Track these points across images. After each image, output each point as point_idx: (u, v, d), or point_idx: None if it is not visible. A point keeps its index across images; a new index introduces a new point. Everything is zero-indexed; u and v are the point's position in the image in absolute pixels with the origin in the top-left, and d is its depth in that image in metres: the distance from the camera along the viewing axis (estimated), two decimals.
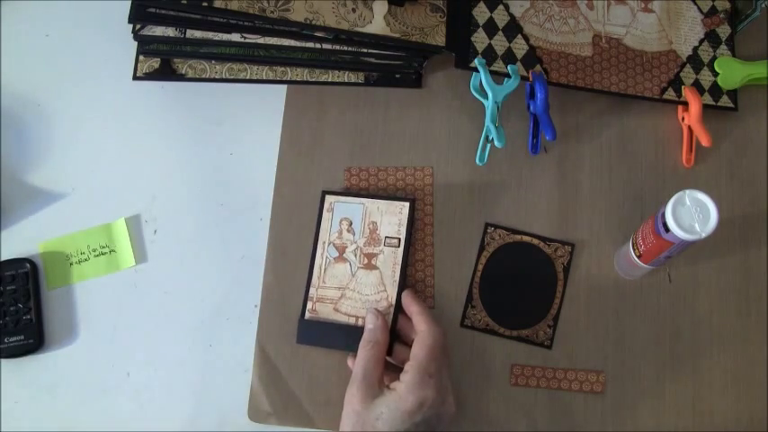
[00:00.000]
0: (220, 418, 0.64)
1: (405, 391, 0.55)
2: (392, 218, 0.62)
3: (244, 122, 0.72)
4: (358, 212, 0.63)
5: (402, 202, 0.62)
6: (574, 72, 0.70)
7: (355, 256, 0.62)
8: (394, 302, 0.61)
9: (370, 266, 0.61)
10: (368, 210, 0.62)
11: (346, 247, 0.62)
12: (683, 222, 0.54)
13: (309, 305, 0.62)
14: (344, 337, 0.61)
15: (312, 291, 0.62)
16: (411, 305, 0.61)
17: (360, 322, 0.61)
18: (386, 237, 0.62)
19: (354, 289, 0.61)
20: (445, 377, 0.57)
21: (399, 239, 0.61)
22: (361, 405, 0.55)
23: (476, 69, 0.67)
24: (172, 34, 0.69)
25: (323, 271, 0.62)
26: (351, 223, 0.62)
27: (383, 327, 0.60)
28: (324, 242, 0.63)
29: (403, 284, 0.61)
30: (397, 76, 0.72)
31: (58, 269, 0.67)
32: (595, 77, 0.71)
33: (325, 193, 0.64)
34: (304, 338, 0.63)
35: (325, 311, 0.62)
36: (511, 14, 0.72)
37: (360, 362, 0.58)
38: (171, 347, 0.66)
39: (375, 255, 0.61)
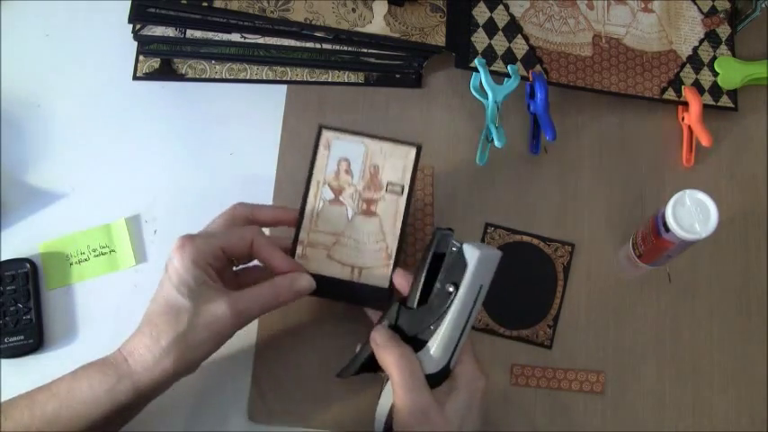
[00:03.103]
0: (220, 418, 0.64)
1: (474, 375, 0.51)
2: (396, 162, 0.55)
3: (244, 122, 0.72)
4: (359, 153, 0.56)
5: (408, 147, 0.56)
6: (574, 72, 0.70)
7: (353, 200, 0.56)
8: (393, 255, 0.56)
9: (369, 213, 0.55)
10: (370, 151, 0.56)
11: (344, 189, 0.56)
12: (683, 222, 0.54)
13: (299, 249, 0.56)
14: (338, 287, 0.56)
15: (303, 234, 0.56)
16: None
17: (355, 273, 0.56)
18: (388, 182, 0.55)
19: (350, 236, 0.55)
20: None
21: (402, 187, 0.55)
22: (435, 416, 0.48)
23: (476, 69, 0.67)
24: (172, 34, 0.69)
25: (316, 214, 0.55)
26: (350, 164, 0.56)
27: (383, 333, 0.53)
28: (318, 182, 0.56)
29: (403, 237, 0.56)
30: (397, 76, 0.72)
31: (57, 269, 0.67)
32: (595, 77, 0.71)
33: (322, 127, 0.57)
34: None
35: (317, 257, 0.56)
36: (511, 14, 0.72)
37: (395, 365, 0.50)
38: None
39: (375, 201, 0.55)
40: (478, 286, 0.49)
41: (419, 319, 0.51)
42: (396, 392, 0.49)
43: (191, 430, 0.64)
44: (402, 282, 0.55)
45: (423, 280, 0.51)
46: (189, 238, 0.51)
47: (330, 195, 0.56)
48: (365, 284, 0.56)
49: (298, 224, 0.56)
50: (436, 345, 0.50)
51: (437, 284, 0.50)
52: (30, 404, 0.49)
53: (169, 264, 0.51)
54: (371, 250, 0.55)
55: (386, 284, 0.56)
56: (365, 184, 0.56)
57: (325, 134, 0.57)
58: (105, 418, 0.49)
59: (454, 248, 0.50)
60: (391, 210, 0.55)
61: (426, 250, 0.52)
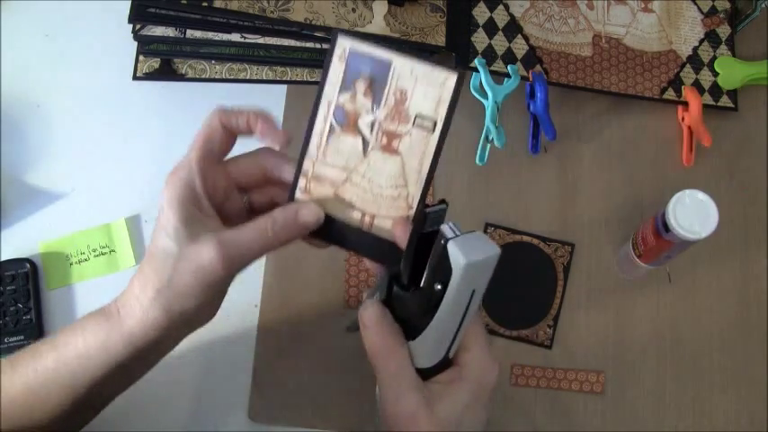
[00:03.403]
0: (220, 418, 0.64)
1: (482, 368, 0.43)
2: (429, 90, 0.43)
3: None
4: (383, 72, 0.43)
5: (447, 72, 0.42)
6: (574, 72, 0.70)
7: (371, 131, 0.44)
8: (415, 207, 0.44)
9: (389, 150, 0.44)
10: (397, 72, 0.43)
11: (360, 115, 0.44)
12: (683, 222, 0.54)
13: (302, 182, 0.45)
14: (344, 232, 0.46)
15: (307, 164, 0.45)
16: None
17: (366, 220, 0.45)
18: (417, 114, 0.43)
19: (365, 175, 0.44)
20: None
21: (435, 123, 0.43)
22: (432, 422, 0.41)
23: (476, 69, 0.67)
24: (172, 34, 0.69)
25: (324, 141, 0.44)
26: (371, 84, 0.44)
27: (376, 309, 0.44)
28: (329, 102, 0.44)
29: (429, 187, 0.44)
30: None
31: (58, 269, 0.67)
32: (595, 77, 0.71)
33: (338, 32, 0.44)
34: None
35: (322, 194, 0.45)
36: (511, 14, 0.72)
37: (379, 360, 0.43)
38: None
39: (399, 136, 0.44)
40: (469, 291, 0.41)
41: (411, 302, 0.43)
42: (380, 390, 0.43)
43: (191, 430, 0.64)
44: (401, 236, 0.44)
45: (411, 264, 0.43)
46: (173, 171, 0.45)
47: (343, 120, 0.45)
48: (376, 236, 0.45)
49: (302, 151, 0.45)
50: (429, 340, 0.43)
51: (427, 271, 0.42)
52: (33, 356, 0.46)
53: (160, 202, 0.45)
54: (388, 196, 0.45)
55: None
56: (387, 113, 0.44)
57: (342, 42, 0.44)
58: (103, 376, 0.45)
59: (442, 241, 0.41)
60: (418, 150, 0.44)
61: (413, 230, 0.43)
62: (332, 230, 0.46)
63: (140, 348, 0.45)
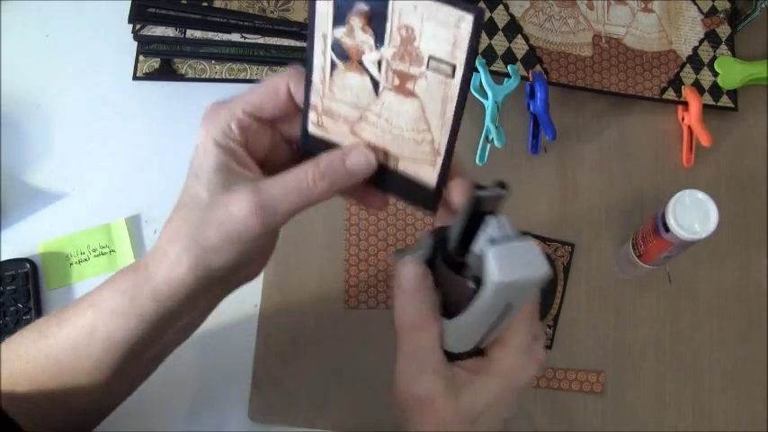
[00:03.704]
0: (220, 418, 0.64)
1: (513, 369, 0.38)
2: (441, 31, 0.36)
3: None
4: (381, 6, 0.37)
5: (460, 12, 0.35)
6: (574, 72, 0.70)
7: (379, 69, 0.39)
8: (443, 153, 0.38)
9: (404, 91, 0.39)
10: (398, 6, 0.36)
11: (363, 52, 0.39)
12: (683, 222, 0.54)
13: (313, 116, 0.40)
14: (376, 174, 0.40)
15: (315, 98, 0.40)
16: None
17: (390, 162, 0.39)
18: (430, 57, 0.37)
19: (380, 114, 0.39)
20: (537, 317, 0.41)
21: (454, 67, 0.37)
22: (448, 411, 0.37)
23: (476, 69, 0.67)
24: (172, 34, 0.69)
25: (328, 76, 0.39)
26: (370, 19, 0.38)
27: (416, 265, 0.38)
28: (324, 34, 0.39)
29: (456, 131, 0.38)
30: None
31: (57, 269, 0.67)
32: (595, 77, 0.71)
33: None
34: (311, 152, 0.41)
35: (337, 131, 0.40)
36: (511, 14, 0.72)
37: (406, 332, 0.38)
38: None
39: (413, 77, 0.38)
40: (502, 304, 0.35)
41: (454, 277, 0.37)
42: (399, 364, 0.39)
43: (191, 430, 0.64)
44: (456, 197, 0.39)
45: (459, 238, 0.37)
46: (214, 107, 0.40)
47: (344, 56, 0.39)
48: (407, 178, 0.40)
49: (306, 83, 0.40)
50: (460, 328, 0.38)
51: (474, 249, 0.35)
52: (75, 311, 0.44)
53: (196, 143, 0.40)
54: (410, 139, 0.39)
55: (432, 183, 0.40)
56: (395, 52, 0.38)
57: None
58: (136, 336, 0.42)
59: (484, 240, 0.34)
60: (437, 94, 0.38)
61: (466, 205, 0.36)
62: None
63: (169, 307, 0.41)
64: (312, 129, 0.41)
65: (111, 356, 0.43)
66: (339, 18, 0.38)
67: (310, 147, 0.41)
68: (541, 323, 0.66)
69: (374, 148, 0.39)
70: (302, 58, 0.70)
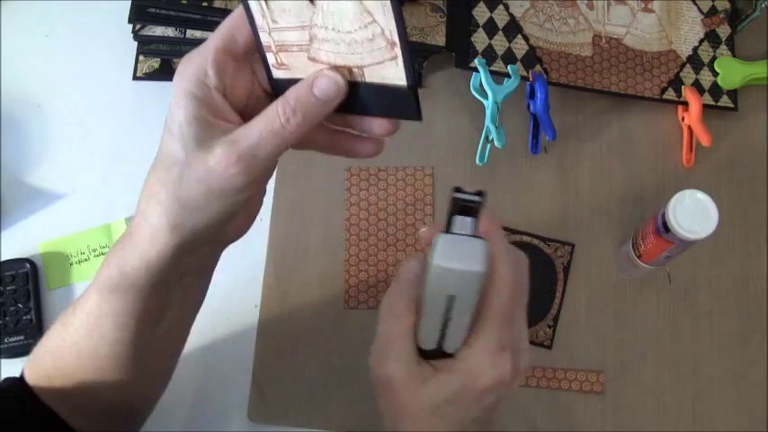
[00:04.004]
0: (220, 418, 0.64)
1: (473, 371, 0.38)
2: None
3: None
4: None
5: None
6: (574, 72, 0.70)
7: None
8: (398, 41, 0.35)
9: None
10: None
11: None
12: (683, 222, 0.54)
13: (271, 58, 0.38)
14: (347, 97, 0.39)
15: (264, 37, 0.38)
16: (487, 227, 0.39)
17: (356, 74, 0.37)
18: None
19: (325, 25, 0.37)
20: (520, 332, 0.41)
21: None
22: (405, 395, 0.38)
23: (476, 69, 0.67)
24: (172, 34, 0.69)
25: (265, 5, 0.37)
26: None
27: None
28: None
29: (399, 7, 0.35)
30: None
31: (58, 269, 0.67)
32: (595, 77, 0.71)
33: None
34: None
35: (298, 65, 0.38)
36: (511, 14, 0.72)
37: (388, 326, 0.39)
38: None
39: None
40: (444, 296, 0.36)
41: None
42: (374, 346, 0.40)
43: (191, 430, 0.64)
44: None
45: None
46: (186, 58, 0.37)
47: None
48: (375, 84, 0.38)
49: (251, 25, 0.38)
50: (422, 325, 0.39)
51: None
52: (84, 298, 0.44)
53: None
54: (363, 39, 0.37)
55: (402, 82, 0.37)
56: None
57: None
58: (140, 308, 0.42)
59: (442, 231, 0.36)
60: None
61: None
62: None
63: (160, 272, 0.40)
64: (276, 73, 0.39)
65: (122, 334, 0.43)
66: None
67: (281, 91, 0.39)
68: (541, 323, 0.66)
69: (336, 69, 0.37)
70: None
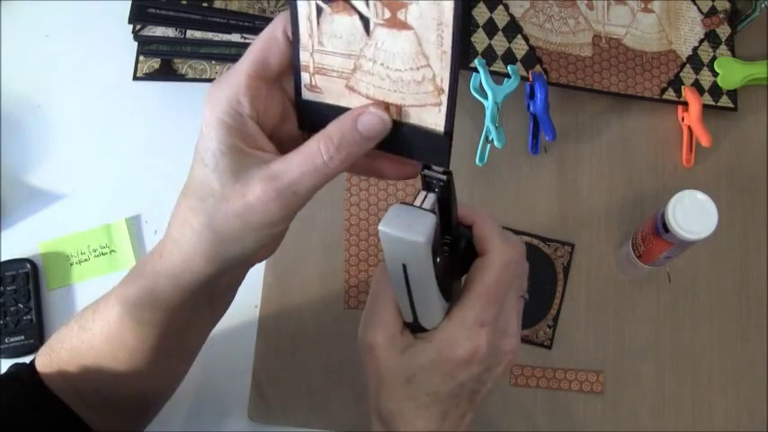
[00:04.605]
0: (220, 418, 0.64)
1: (447, 340, 0.38)
2: None
3: None
4: None
5: None
6: (574, 72, 0.70)
7: (368, 5, 0.35)
8: (447, 87, 0.36)
9: (396, 24, 0.35)
10: None
11: None
12: (682, 222, 0.54)
13: (306, 78, 0.38)
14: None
15: (305, 56, 0.37)
16: (471, 214, 0.41)
17: (392, 112, 0.37)
18: None
19: (375, 59, 0.36)
20: (509, 316, 0.41)
21: None
22: (384, 362, 0.39)
23: (475, 70, 0.67)
24: (172, 35, 0.69)
25: (315, 26, 0.36)
26: None
27: None
28: None
29: (458, 58, 0.35)
30: None
31: (58, 269, 0.67)
32: (595, 77, 0.71)
33: None
34: (311, 124, 0.39)
35: (333, 89, 0.38)
36: (511, 15, 0.72)
37: (375, 294, 0.41)
38: None
39: (403, 5, 0.35)
40: (399, 264, 0.37)
41: None
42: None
43: (191, 430, 0.64)
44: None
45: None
46: (216, 84, 0.36)
47: None
48: (412, 125, 0.38)
49: (293, 42, 0.37)
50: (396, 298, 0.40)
51: None
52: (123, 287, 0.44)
53: (201, 124, 0.37)
54: (410, 80, 0.36)
55: (440, 128, 0.38)
56: None
57: None
58: (166, 325, 0.43)
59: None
60: (431, 19, 0.35)
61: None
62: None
63: (189, 292, 0.41)
64: (306, 94, 0.38)
65: (144, 344, 0.44)
66: None
67: (307, 115, 0.39)
68: (541, 323, 0.66)
69: (376, 103, 0.37)
70: None
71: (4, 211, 0.69)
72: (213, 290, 0.43)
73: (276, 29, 0.36)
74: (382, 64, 0.36)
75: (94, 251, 0.68)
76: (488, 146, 0.68)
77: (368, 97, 0.37)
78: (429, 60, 0.35)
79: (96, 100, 0.73)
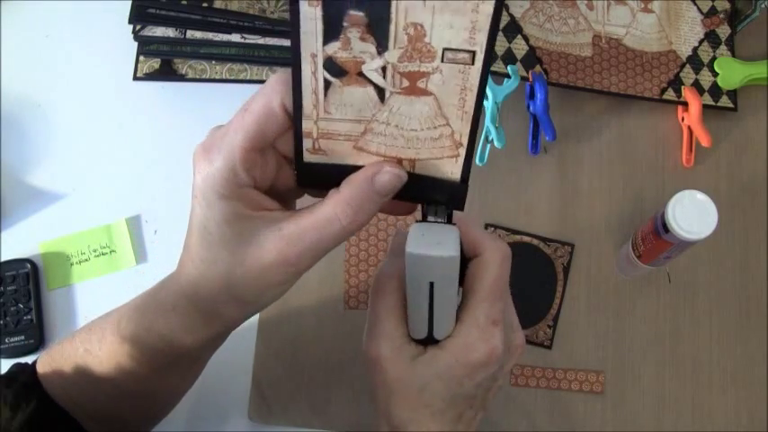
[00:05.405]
0: (220, 418, 0.64)
1: (464, 345, 0.38)
2: (457, 20, 0.32)
3: None
4: (380, 9, 0.32)
5: None
6: (574, 72, 0.70)
7: (384, 76, 0.34)
8: (465, 143, 0.35)
9: (415, 91, 0.35)
10: (402, 6, 0.31)
11: (362, 62, 0.34)
12: (682, 222, 0.54)
13: (308, 143, 0.36)
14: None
15: (308, 124, 0.35)
16: (460, 223, 0.40)
17: (405, 166, 0.36)
18: (445, 49, 0.33)
19: (389, 122, 0.35)
20: (511, 311, 0.42)
21: (473, 54, 0.33)
22: (392, 373, 0.38)
23: None
24: (172, 35, 0.69)
25: (321, 98, 0.35)
26: (368, 25, 0.32)
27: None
28: (312, 54, 0.34)
29: (478, 117, 0.35)
30: None
31: (58, 269, 0.67)
32: (595, 77, 0.71)
33: None
34: (312, 182, 0.39)
35: (339, 150, 0.36)
36: (511, 15, 0.72)
37: (375, 305, 0.40)
38: None
39: (425, 75, 0.34)
40: (425, 282, 0.37)
41: None
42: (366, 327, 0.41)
43: (191, 430, 0.64)
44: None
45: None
46: (205, 153, 0.35)
47: (340, 72, 0.34)
48: (428, 176, 0.37)
49: (294, 111, 0.35)
50: (410, 313, 0.40)
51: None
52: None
53: (193, 190, 0.35)
54: (427, 138, 0.36)
55: (457, 177, 0.37)
56: (403, 53, 0.34)
57: None
58: (177, 362, 0.44)
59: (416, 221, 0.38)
60: (454, 86, 0.34)
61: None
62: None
63: (210, 338, 0.43)
64: (308, 157, 0.36)
65: (152, 372, 0.44)
66: (331, 33, 0.33)
67: (308, 174, 0.38)
68: (541, 323, 0.66)
69: (386, 159, 0.36)
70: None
71: (4, 211, 0.69)
72: (220, 341, 0.46)
73: (272, 100, 0.34)
74: (396, 126, 0.35)
75: (94, 251, 0.68)
76: (488, 146, 0.68)
77: (378, 155, 0.36)
78: (449, 120, 0.35)
79: (96, 100, 0.73)
